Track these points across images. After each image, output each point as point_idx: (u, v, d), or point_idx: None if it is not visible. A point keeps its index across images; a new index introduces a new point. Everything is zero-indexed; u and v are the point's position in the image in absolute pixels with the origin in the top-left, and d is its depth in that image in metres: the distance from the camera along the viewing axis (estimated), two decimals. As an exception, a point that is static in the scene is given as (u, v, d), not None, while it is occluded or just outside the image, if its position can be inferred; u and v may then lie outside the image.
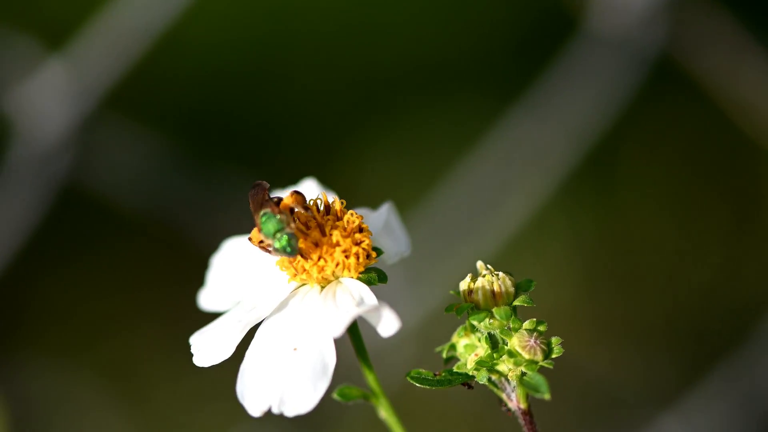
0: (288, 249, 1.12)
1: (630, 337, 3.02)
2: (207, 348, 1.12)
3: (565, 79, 2.75)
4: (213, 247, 1.27)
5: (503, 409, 1.20)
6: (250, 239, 1.15)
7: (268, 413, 1.07)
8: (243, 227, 1.32)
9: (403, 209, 2.77)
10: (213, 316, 1.22)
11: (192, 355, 1.13)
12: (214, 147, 3.11)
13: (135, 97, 2.90)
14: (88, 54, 2.51)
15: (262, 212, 1.13)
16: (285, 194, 1.20)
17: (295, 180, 1.33)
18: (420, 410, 2.80)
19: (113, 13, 2.49)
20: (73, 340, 2.98)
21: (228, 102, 3.15)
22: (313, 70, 3.16)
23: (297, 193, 1.16)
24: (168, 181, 2.69)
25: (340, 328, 1.07)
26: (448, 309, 1.17)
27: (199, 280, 1.27)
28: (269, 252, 1.14)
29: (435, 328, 2.60)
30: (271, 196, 1.17)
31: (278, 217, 1.13)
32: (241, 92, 3.15)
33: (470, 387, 1.18)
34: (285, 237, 1.12)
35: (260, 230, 1.13)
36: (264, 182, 1.18)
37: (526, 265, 3.05)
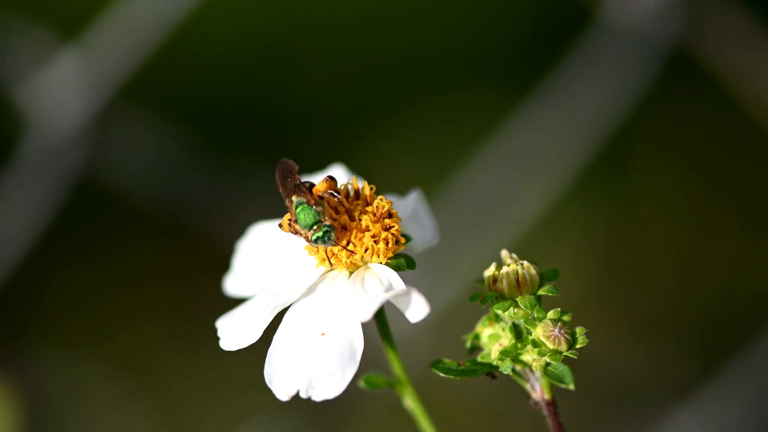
0: (326, 240, 1.12)
1: (644, 329, 3.01)
2: (234, 332, 1.12)
3: (579, 72, 2.74)
4: (227, 239, 1.26)
5: (531, 403, 1.19)
6: (280, 226, 1.15)
7: (296, 398, 1.06)
8: (259, 217, 1.32)
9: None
10: (233, 304, 1.22)
11: (218, 339, 1.12)
12: (227, 139, 3.11)
13: (149, 89, 2.90)
14: (102, 45, 2.50)
15: (296, 202, 1.13)
16: (315, 179, 1.20)
17: (322, 166, 1.32)
18: (438, 401, 2.80)
19: (128, 3, 2.49)
20: (87, 333, 2.98)
21: (241, 93, 3.15)
22: (325, 63, 3.16)
23: (330, 178, 1.16)
24: (182, 173, 2.69)
25: (368, 313, 1.06)
26: (472, 298, 1.17)
27: (213, 273, 1.27)
28: (300, 236, 1.14)
29: (449, 321, 2.60)
30: (301, 180, 1.17)
31: (315, 209, 1.12)
32: (254, 84, 3.14)
33: (494, 377, 1.17)
34: (324, 229, 1.12)
35: (296, 221, 1.12)
36: (291, 162, 1.17)
37: (539, 258, 3.03)
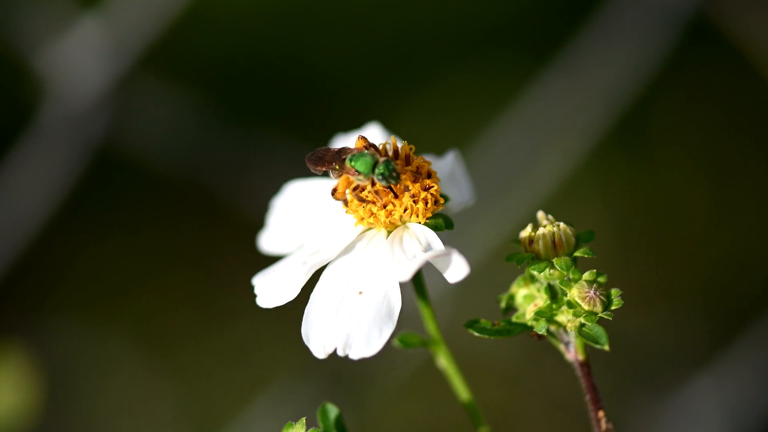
0: (394, 173, 1.11)
1: (662, 297, 3.01)
2: (271, 289, 1.12)
3: (599, 39, 2.73)
4: (247, 207, 1.26)
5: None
6: (335, 192, 1.14)
7: (333, 355, 1.06)
8: (277, 185, 1.31)
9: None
10: (253, 266, 1.21)
11: (254, 296, 1.12)
12: (247, 108, 3.10)
13: (170, 56, 2.89)
14: (123, 10, 2.49)
15: (348, 158, 1.13)
16: (351, 137, 1.19)
17: (359, 125, 1.32)
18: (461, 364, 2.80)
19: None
20: (106, 301, 2.98)
21: (261, 64, 3.14)
22: (345, 34, 3.15)
23: (363, 138, 1.16)
24: (202, 140, 2.69)
25: (408, 273, 1.06)
26: (509, 258, 1.17)
27: (232, 240, 1.26)
28: (359, 190, 1.13)
29: (471, 284, 2.60)
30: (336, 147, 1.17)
31: (366, 153, 1.13)
32: (275, 55, 3.14)
33: (540, 337, 1.17)
34: (383, 164, 1.12)
35: (355, 171, 1.12)
36: (320, 149, 1.17)
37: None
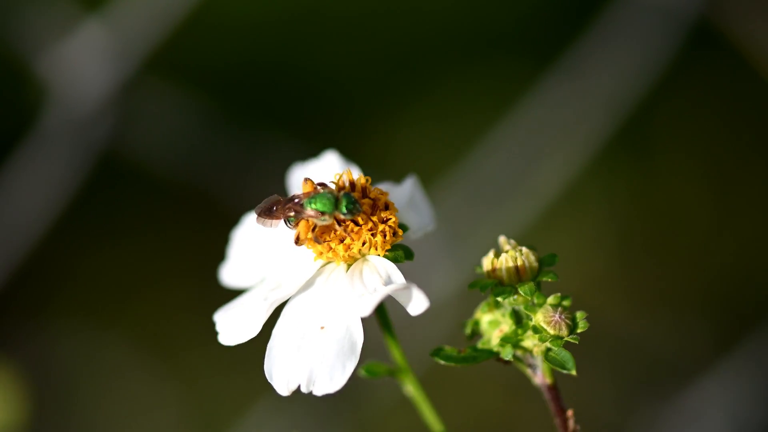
0: (357, 205, 1.11)
1: (666, 302, 3.00)
2: (233, 327, 1.12)
3: (601, 45, 2.72)
4: (246, 210, 1.26)
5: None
6: (297, 241, 1.13)
7: (296, 392, 1.07)
8: (276, 191, 1.31)
9: (435, 175, 2.76)
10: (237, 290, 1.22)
11: (216, 334, 1.13)
12: (249, 113, 3.11)
13: (173, 60, 2.90)
14: (126, 14, 2.48)
15: (305, 201, 1.12)
16: (309, 167, 1.19)
17: (315, 153, 1.31)
18: (455, 373, 2.80)
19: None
20: (107, 306, 3.00)
21: (263, 68, 3.15)
22: (345, 39, 3.15)
23: (308, 180, 1.15)
24: (203, 145, 2.69)
25: (368, 309, 1.06)
26: (471, 285, 1.17)
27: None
28: (327, 232, 1.12)
29: (473, 296, 2.59)
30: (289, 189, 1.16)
31: (323, 192, 1.12)
32: (277, 59, 3.14)
33: (507, 363, 1.17)
34: (344, 198, 1.11)
35: (317, 213, 1.11)
36: (271, 197, 1.16)
37: (560, 232, 3.03)
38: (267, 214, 1.15)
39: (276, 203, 1.15)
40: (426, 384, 1.22)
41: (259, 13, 3.13)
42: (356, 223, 1.12)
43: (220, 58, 3.13)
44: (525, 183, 2.76)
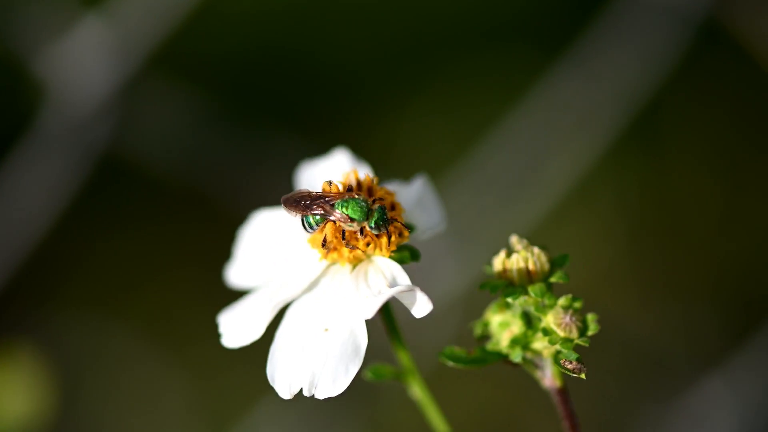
0: (386, 225, 1.09)
1: (676, 294, 2.99)
2: (236, 329, 1.11)
3: (611, 39, 2.71)
4: (248, 206, 1.24)
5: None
6: (325, 243, 1.10)
7: (299, 395, 1.05)
8: (279, 186, 1.29)
9: (441, 170, 2.75)
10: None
11: (219, 336, 1.11)
12: (252, 105, 3.10)
13: (176, 54, 2.89)
14: (126, 11, 2.47)
15: (337, 203, 1.10)
16: (317, 169, 1.17)
17: (319, 148, 1.30)
18: (461, 373, 2.79)
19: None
20: (113, 299, 3.00)
21: (268, 59, 3.13)
22: (354, 29, 3.13)
23: (330, 182, 1.13)
24: (205, 142, 2.68)
25: (372, 310, 1.04)
26: (482, 286, 1.15)
27: (234, 240, 1.25)
28: (354, 236, 1.10)
29: (479, 297, 2.58)
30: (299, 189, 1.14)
31: (358, 198, 1.10)
32: (282, 53, 3.13)
33: (515, 365, 1.15)
34: (378, 212, 1.09)
35: (347, 218, 1.09)
36: (301, 189, 1.14)
37: (570, 227, 3.02)
38: (295, 205, 1.13)
39: (305, 197, 1.13)
40: (430, 385, 1.20)
41: (257, 6, 3.12)
42: (378, 237, 1.11)
43: (225, 49, 3.12)
44: (534, 177, 2.75)
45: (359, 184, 1.14)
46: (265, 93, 3.10)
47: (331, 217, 1.10)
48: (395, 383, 2.67)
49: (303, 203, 1.12)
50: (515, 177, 2.74)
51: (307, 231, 1.12)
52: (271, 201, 1.27)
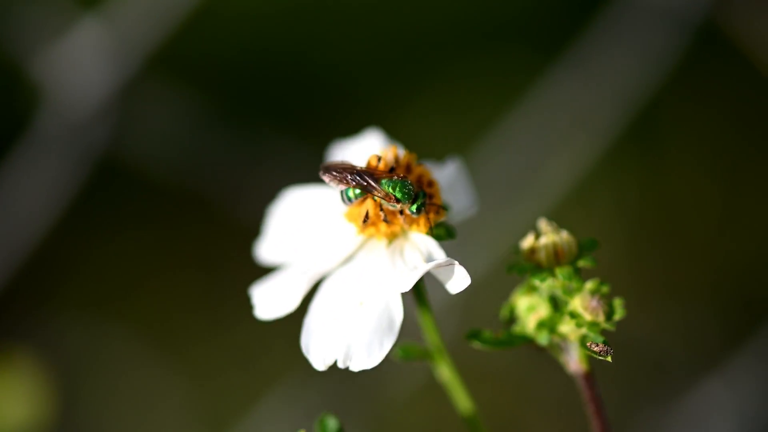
0: (425, 210, 1.10)
1: (674, 299, 2.99)
2: (270, 301, 1.10)
3: (610, 40, 2.71)
4: (246, 208, 1.24)
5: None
6: (366, 219, 1.11)
7: (333, 367, 1.05)
8: (279, 187, 1.28)
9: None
10: (253, 269, 1.19)
11: (252, 308, 1.10)
12: (250, 107, 3.09)
13: (173, 57, 2.88)
14: (124, 13, 2.46)
15: (382, 178, 1.10)
16: (349, 146, 1.17)
17: (317, 148, 1.29)
18: (461, 371, 2.78)
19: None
20: (112, 300, 2.99)
21: (265, 61, 3.13)
22: (351, 31, 3.13)
23: (377, 157, 1.13)
24: (205, 141, 2.68)
25: (408, 284, 1.04)
26: (510, 269, 1.14)
27: (233, 240, 1.24)
28: (392, 212, 1.11)
29: (478, 292, 2.58)
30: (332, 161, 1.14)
31: (405, 181, 1.10)
32: (280, 56, 3.13)
33: (541, 349, 1.15)
34: (421, 199, 1.09)
35: (393, 198, 1.09)
36: (345, 160, 1.14)
37: (569, 228, 3.01)
38: (337, 174, 1.12)
39: (349, 169, 1.13)
40: (430, 384, 1.19)
41: (262, 4, 3.11)
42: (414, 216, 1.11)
43: (221, 52, 3.12)
44: (533, 178, 2.75)
45: (397, 161, 1.13)
46: (263, 94, 3.09)
47: (375, 194, 1.10)
48: (395, 381, 2.66)
49: (345, 175, 1.12)
50: (514, 177, 2.74)
51: (345, 203, 1.12)
52: (270, 201, 1.27)
